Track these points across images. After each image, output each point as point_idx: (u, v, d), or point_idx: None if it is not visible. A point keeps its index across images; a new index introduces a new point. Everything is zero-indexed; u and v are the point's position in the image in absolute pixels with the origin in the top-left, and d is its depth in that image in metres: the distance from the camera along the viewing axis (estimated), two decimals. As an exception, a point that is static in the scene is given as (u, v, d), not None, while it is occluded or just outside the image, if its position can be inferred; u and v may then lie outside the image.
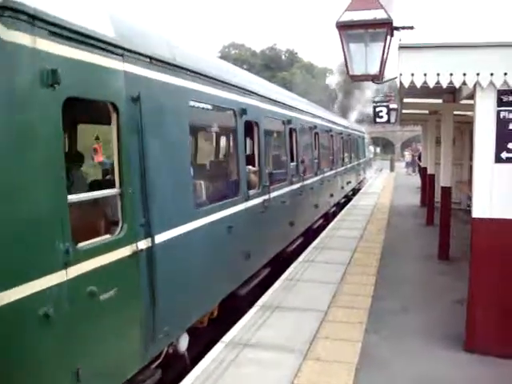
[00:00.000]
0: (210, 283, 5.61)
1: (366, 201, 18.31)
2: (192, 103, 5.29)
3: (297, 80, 77.72)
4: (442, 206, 9.06)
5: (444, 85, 4.70)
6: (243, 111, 6.69)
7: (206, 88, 5.57)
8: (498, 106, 4.73)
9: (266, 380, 4.56)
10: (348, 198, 19.22)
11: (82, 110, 5.48)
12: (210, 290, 5.69)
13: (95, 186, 5.03)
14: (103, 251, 3.66)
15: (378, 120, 17.15)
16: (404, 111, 13.16)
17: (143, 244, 4.15)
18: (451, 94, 8.26)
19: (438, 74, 4.69)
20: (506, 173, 4.74)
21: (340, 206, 16.95)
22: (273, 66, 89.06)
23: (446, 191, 8.86)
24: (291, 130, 9.96)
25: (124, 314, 3.96)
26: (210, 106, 6.11)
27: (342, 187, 17.29)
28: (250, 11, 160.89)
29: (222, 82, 6.05)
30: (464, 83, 4.69)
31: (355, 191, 22.28)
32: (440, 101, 8.79)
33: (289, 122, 9.47)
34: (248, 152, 8.84)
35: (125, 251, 3.91)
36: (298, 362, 4.86)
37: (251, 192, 7.19)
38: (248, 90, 7.14)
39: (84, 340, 3.46)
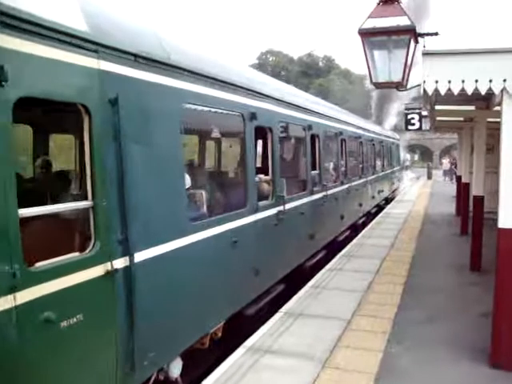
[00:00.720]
0: (207, 304, 5.14)
1: (399, 209, 18.01)
2: (187, 106, 4.85)
3: (334, 87, 77.30)
4: (474, 215, 8.82)
5: (469, 92, 4.61)
6: (253, 115, 6.21)
7: (206, 89, 5.11)
8: (527, 112, 4.60)
9: (285, 386, 4.57)
10: (380, 207, 18.82)
11: (46, 113, 5.27)
12: (208, 311, 5.21)
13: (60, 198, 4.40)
14: (68, 271, 3.23)
15: (409, 127, 16.82)
16: (439, 118, 12.89)
17: (120, 263, 3.71)
18: (485, 100, 8.05)
19: (463, 81, 4.60)
20: (534, 182, 4.60)
21: (372, 215, 16.71)
22: (310, 72, 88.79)
23: (479, 200, 8.62)
24: (313, 137, 9.38)
25: (95, 342, 3.52)
26: (210, 109, 5.49)
27: (373, 196, 16.69)
28: (287, 18, 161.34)
29: (226, 82, 5.54)
30: (490, 90, 4.59)
31: (388, 200, 21.68)
32: (473, 107, 8.58)
33: (310, 127, 8.93)
34: (261, 159, 8.68)
35: (97, 271, 3.49)
36: (317, 370, 4.83)
37: (262, 203, 6.66)
38: (259, 93, 6.61)
39: (40, 373, 3.06)
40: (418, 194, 24.86)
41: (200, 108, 5.24)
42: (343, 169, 12.23)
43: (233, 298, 5.85)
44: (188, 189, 5.06)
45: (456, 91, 4.65)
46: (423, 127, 16.60)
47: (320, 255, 9.80)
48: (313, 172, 9.44)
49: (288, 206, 7.50)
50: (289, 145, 9.85)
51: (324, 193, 9.85)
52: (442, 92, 4.68)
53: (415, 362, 5.03)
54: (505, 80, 4.52)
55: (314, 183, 9.42)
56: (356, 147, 14.30)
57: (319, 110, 10.21)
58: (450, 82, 4.64)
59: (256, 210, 6.38)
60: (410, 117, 16.31)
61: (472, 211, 9.59)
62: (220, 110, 5.70)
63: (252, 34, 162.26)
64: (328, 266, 9.25)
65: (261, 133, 7.04)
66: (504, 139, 4.71)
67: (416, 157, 63.59)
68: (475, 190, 8.66)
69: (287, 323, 6.19)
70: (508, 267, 4.75)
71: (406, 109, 17.24)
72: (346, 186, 12.03)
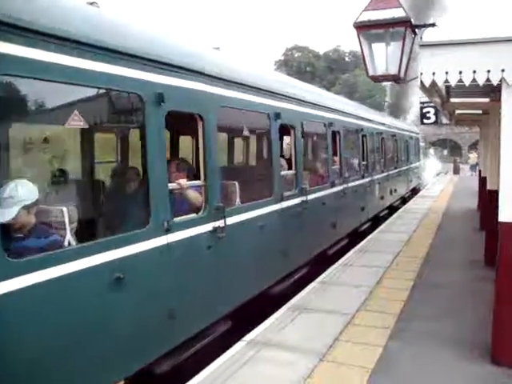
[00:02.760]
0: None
1: (421, 204, 17.72)
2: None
3: (360, 82, 76.46)
4: (488, 209, 8.62)
5: (467, 83, 4.53)
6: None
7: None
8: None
9: (278, 380, 4.58)
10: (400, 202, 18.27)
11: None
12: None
13: None
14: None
15: (425, 121, 16.43)
16: (458, 111, 12.64)
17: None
18: (499, 91, 7.85)
19: (461, 72, 4.52)
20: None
21: (395, 208, 16.47)
22: (336, 68, 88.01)
23: (493, 194, 8.40)
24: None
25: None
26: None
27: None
28: (313, 14, 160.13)
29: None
30: (488, 80, 4.49)
31: (406, 199, 19.67)
32: (488, 100, 8.39)
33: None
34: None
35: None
36: (314, 364, 4.84)
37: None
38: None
39: None
40: (442, 188, 24.41)
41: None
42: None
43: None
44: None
45: (453, 83, 4.57)
46: (443, 121, 16.14)
47: (343, 243, 10.32)
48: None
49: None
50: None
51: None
52: (440, 83, 4.61)
53: (413, 357, 4.98)
54: (503, 70, 4.41)
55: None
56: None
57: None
58: (447, 73, 4.56)
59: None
60: (425, 110, 15.91)
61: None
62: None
63: (278, 30, 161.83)
64: (340, 261, 9.21)
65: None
66: (504, 130, 4.60)
67: (445, 152, 62.29)
68: (489, 184, 8.48)
69: (291, 317, 6.20)
70: (509, 262, 4.65)
71: (420, 102, 16.86)
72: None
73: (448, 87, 7.06)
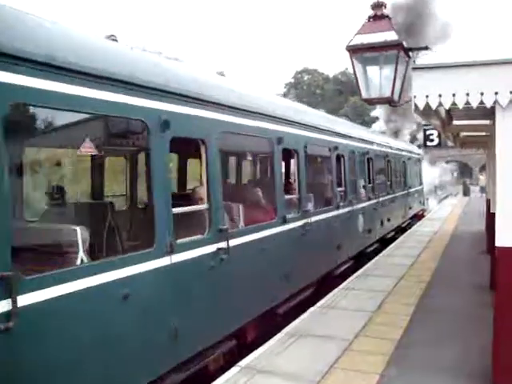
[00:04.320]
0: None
1: (428, 227, 17.51)
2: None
3: (366, 104, 76.53)
4: (492, 232, 8.45)
5: (460, 105, 4.48)
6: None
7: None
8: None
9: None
10: (404, 227, 17.74)
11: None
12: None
13: None
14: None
15: (428, 143, 16.29)
16: (463, 133, 12.55)
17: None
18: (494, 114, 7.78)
19: (454, 95, 4.48)
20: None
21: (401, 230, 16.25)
22: (345, 90, 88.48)
23: (494, 217, 8.27)
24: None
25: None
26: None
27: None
28: (323, 37, 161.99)
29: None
30: (482, 103, 4.44)
31: (404, 229, 17.51)
32: (488, 122, 8.31)
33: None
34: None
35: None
36: (306, 392, 4.72)
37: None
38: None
39: None
40: (451, 210, 24.17)
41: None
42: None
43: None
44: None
45: (447, 106, 4.54)
46: (448, 143, 16.00)
47: (348, 264, 10.34)
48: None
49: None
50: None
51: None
52: (433, 106, 4.57)
53: (410, 385, 4.84)
54: (496, 93, 4.37)
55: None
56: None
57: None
58: (440, 96, 4.52)
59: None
60: (428, 133, 15.78)
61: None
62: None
63: (288, 53, 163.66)
64: (341, 285, 9.07)
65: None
66: (498, 153, 4.54)
67: (455, 174, 61.88)
68: (492, 207, 8.33)
69: (287, 343, 6.07)
70: (507, 287, 4.52)
71: (423, 124, 16.74)
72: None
73: (449, 110, 7.03)
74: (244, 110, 6.21)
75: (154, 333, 4.46)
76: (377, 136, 15.50)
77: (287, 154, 8.02)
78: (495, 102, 4.39)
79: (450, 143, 15.54)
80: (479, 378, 4.90)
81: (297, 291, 7.74)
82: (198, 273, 5.13)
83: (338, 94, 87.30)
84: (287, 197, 7.71)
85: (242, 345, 6.16)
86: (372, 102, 5.73)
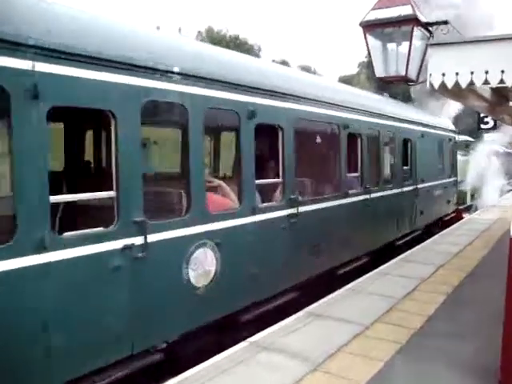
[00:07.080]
0: None
1: (487, 214, 16.59)
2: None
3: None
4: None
5: (478, 84, 4.19)
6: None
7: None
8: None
9: (265, 383, 4.52)
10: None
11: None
12: None
13: None
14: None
15: (482, 126, 15.16)
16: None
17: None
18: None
19: (472, 73, 4.18)
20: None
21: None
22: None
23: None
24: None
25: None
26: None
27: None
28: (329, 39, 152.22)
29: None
30: (502, 82, 4.12)
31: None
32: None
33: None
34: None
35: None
36: (305, 372, 4.72)
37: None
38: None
39: None
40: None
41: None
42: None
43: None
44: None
45: (464, 84, 4.25)
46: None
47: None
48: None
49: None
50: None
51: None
52: (449, 85, 4.29)
53: (414, 375, 4.69)
54: (518, 71, 4.03)
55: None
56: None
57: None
58: (457, 74, 4.24)
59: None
60: (483, 115, 14.68)
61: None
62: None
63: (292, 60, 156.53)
64: (377, 269, 8.88)
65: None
66: None
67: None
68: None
69: (303, 323, 6.07)
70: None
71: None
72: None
73: (498, 89, 6.55)
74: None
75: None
76: (429, 118, 13.35)
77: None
78: (517, 80, 4.06)
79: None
80: (489, 378, 4.63)
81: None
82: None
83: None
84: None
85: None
86: (387, 81, 5.44)
